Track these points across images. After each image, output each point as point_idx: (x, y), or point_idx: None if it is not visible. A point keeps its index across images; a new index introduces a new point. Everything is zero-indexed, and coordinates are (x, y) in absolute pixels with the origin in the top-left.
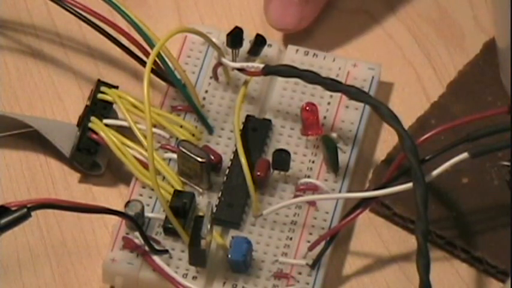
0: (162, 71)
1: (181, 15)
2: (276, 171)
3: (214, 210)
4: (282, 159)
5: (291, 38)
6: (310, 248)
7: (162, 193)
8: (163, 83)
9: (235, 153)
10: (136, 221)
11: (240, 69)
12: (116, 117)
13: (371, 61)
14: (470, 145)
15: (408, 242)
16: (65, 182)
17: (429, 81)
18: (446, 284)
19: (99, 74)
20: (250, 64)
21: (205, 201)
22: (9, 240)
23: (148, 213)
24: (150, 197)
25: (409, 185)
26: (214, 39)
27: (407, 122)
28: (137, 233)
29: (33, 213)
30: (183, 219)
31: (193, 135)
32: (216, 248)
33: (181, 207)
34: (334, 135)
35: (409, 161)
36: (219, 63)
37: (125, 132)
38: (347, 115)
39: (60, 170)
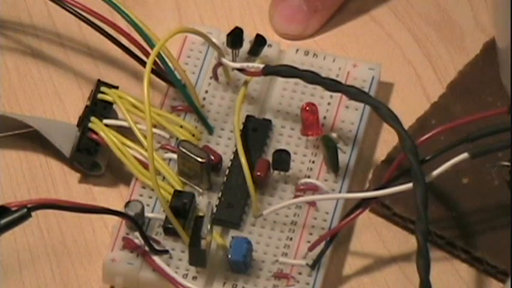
0: (162, 71)
1: (181, 15)
2: (276, 171)
3: (214, 210)
4: (282, 159)
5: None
6: (310, 248)
7: (162, 193)
8: (163, 83)
9: (235, 153)
10: (137, 221)
11: (240, 69)
12: (116, 117)
13: (371, 61)
14: (470, 145)
15: (408, 242)
16: (65, 182)
17: (429, 81)
18: (446, 284)
19: (99, 74)
20: (250, 64)
21: (205, 201)
22: (9, 240)
23: (148, 213)
24: (150, 197)
25: (409, 185)
26: (214, 39)
27: (407, 122)
28: (137, 233)
29: (33, 213)
30: (183, 219)
31: (193, 135)
32: (216, 248)
33: (181, 207)
34: (334, 135)
35: (409, 161)
36: (219, 63)
37: (125, 132)
38: (347, 115)
39: (60, 170)
